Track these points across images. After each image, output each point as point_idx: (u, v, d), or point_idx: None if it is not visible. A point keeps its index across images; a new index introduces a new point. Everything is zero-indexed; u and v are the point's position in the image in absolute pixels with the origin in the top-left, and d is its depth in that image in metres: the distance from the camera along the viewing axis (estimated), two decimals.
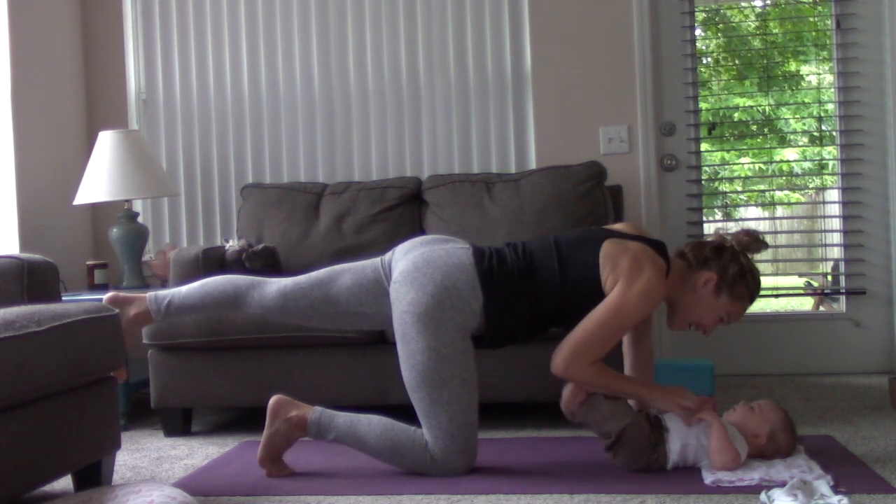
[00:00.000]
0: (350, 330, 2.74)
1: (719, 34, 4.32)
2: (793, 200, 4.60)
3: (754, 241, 2.53)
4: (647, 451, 2.35)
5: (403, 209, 3.69)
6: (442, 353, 2.37)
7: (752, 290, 2.53)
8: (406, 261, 2.48)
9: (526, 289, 2.45)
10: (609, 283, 2.41)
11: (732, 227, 4.60)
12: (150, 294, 2.62)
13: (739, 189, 4.30)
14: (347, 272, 2.58)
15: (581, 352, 2.39)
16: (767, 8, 4.24)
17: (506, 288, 2.43)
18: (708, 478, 2.25)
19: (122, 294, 2.63)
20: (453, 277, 2.41)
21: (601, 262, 2.42)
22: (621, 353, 2.75)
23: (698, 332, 2.61)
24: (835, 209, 4.02)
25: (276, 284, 2.60)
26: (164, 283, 3.64)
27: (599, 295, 2.41)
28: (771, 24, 4.24)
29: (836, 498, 1.99)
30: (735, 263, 2.49)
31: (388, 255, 2.58)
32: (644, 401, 2.51)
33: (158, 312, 2.60)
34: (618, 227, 2.64)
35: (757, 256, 2.60)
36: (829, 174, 4.26)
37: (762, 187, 4.22)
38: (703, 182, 4.03)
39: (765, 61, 4.10)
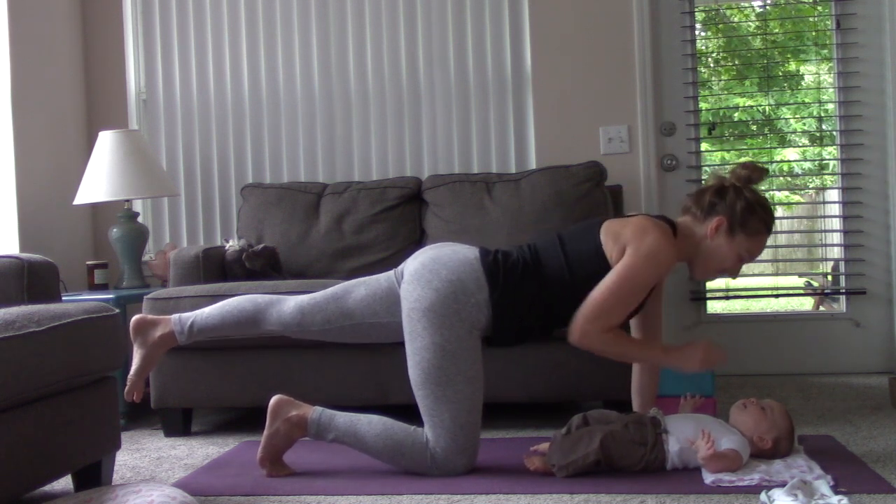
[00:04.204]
0: (367, 344, 2.75)
1: (719, 34, 4.32)
2: (793, 200, 4.60)
3: (753, 171, 2.51)
4: (638, 448, 2.33)
5: (403, 209, 3.69)
6: (447, 350, 2.37)
7: (767, 220, 2.50)
8: (415, 263, 2.50)
9: (532, 281, 2.44)
10: (616, 255, 2.41)
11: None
12: (174, 316, 2.65)
13: None
14: (362, 284, 2.59)
15: (595, 319, 2.38)
16: (767, 8, 4.23)
17: (511, 279, 2.43)
18: (708, 478, 2.24)
19: (149, 317, 2.65)
20: (458, 271, 2.42)
21: (603, 240, 2.44)
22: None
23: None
24: (835, 209, 4.02)
25: (293, 301, 2.61)
26: (164, 284, 3.64)
27: (607, 271, 2.41)
28: (771, 24, 4.24)
29: (836, 498, 1.99)
30: (741, 200, 2.47)
31: (401, 266, 2.59)
32: (665, 365, 2.51)
33: (182, 334, 2.63)
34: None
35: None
36: (829, 174, 4.26)
37: (762, 187, 4.21)
38: (703, 182, 4.03)
39: (765, 61, 4.10)
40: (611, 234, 2.44)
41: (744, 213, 2.46)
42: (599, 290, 2.39)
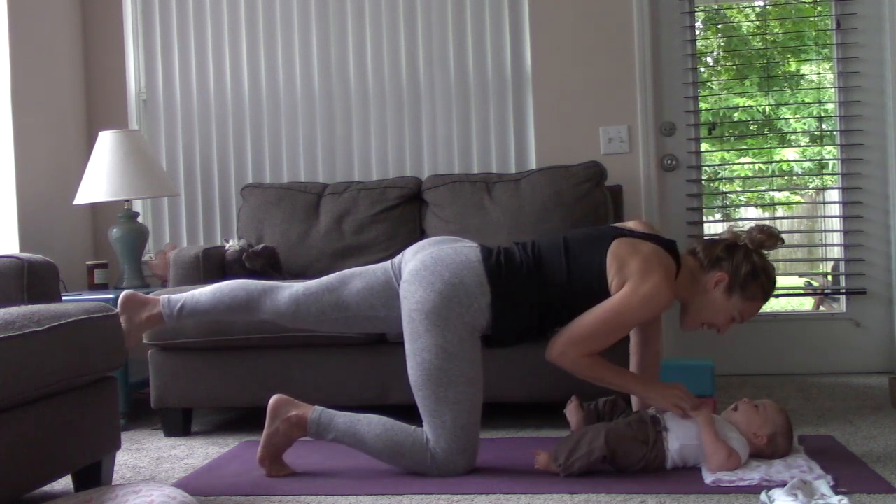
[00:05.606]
0: (361, 334, 2.73)
1: (719, 34, 4.32)
2: (793, 201, 4.60)
3: (769, 237, 2.49)
4: (640, 447, 2.33)
5: (403, 209, 3.69)
6: (449, 352, 2.36)
7: (766, 289, 2.49)
8: (415, 261, 2.47)
9: (533, 285, 2.43)
10: (615, 284, 2.40)
11: (746, 225, 4.61)
12: (163, 297, 2.64)
13: (739, 189, 4.30)
14: (358, 276, 2.57)
15: (575, 344, 2.40)
16: (767, 8, 4.23)
17: (513, 284, 2.42)
18: (708, 478, 2.24)
19: (139, 295, 2.64)
20: (461, 274, 2.40)
21: (608, 262, 2.41)
22: (626, 351, 2.75)
23: (701, 331, 2.59)
24: (835, 209, 4.02)
25: (287, 290, 2.59)
26: (164, 283, 3.64)
27: (606, 294, 2.40)
28: (771, 24, 4.24)
29: (836, 498, 1.99)
30: (748, 263, 2.46)
31: (398, 258, 2.58)
32: (638, 396, 2.51)
33: (171, 316, 2.62)
34: (630, 224, 2.62)
35: None
36: (829, 174, 4.26)
37: (762, 187, 4.22)
38: (703, 182, 4.03)
39: (765, 61, 4.10)
40: (617, 260, 2.41)
41: (747, 276, 2.46)
42: (589, 317, 2.39)
